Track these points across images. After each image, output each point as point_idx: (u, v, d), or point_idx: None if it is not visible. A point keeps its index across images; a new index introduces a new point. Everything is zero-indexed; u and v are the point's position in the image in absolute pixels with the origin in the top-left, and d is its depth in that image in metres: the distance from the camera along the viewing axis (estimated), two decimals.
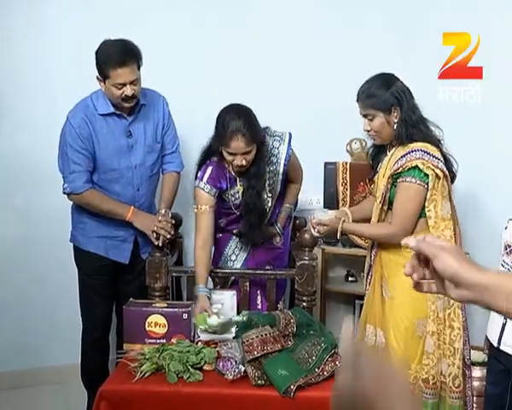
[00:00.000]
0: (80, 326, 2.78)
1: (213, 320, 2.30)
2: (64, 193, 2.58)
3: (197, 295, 2.45)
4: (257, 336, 2.11)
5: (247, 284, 2.62)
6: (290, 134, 2.61)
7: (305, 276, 2.53)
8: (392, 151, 2.31)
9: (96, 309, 2.72)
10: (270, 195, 2.61)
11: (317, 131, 3.47)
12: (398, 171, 2.20)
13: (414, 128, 2.22)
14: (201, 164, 2.57)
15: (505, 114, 3.00)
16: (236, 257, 2.74)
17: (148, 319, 2.31)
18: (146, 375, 2.07)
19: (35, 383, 3.15)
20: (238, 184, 2.58)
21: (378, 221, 2.34)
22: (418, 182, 2.17)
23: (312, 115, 3.40)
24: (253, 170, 2.50)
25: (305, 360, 2.10)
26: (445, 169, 2.18)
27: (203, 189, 2.52)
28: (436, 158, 2.18)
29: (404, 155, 2.19)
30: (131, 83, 2.43)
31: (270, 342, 2.12)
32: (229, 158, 2.43)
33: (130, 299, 2.45)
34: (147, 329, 2.31)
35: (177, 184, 2.79)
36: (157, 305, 2.38)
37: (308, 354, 2.12)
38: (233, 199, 2.61)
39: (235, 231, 2.72)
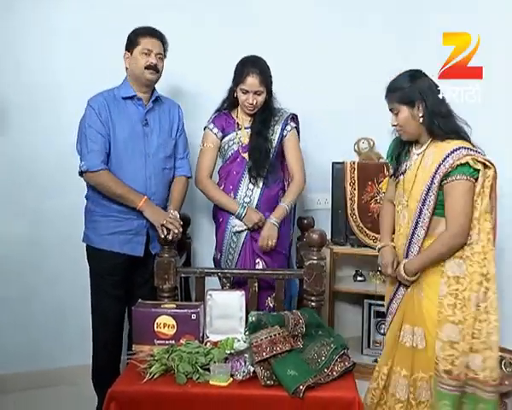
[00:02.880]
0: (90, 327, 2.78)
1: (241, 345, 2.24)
2: (80, 172, 2.60)
3: (246, 210, 2.76)
4: (266, 337, 2.10)
5: (256, 284, 2.62)
6: (292, 115, 2.91)
7: (313, 275, 2.52)
8: (421, 149, 2.32)
9: (107, 310, 2.72)
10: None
11: (325, 131, 3.47)
12: (448, 172, 2.18)
13: (444, 119, 2.24)
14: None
15: (505, 114, 2.98)
16: (238, 238, 2.83)
17: (156, 320, 2.31)
18: (155, 376, 2.07)
19: (45, 385, 3.17)
20: (243, 128, 2.84)
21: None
22: (468, 178, 2.17)
23: (319, 115, 3.40)
24: (260, 118, 2.80)
25: (314, 360, 2.10)
26: (491, 160, 2.19)
27: (211, 129, 2.86)
28: (480, 152, 2.20)
29: (448, 156, 2.19)
30: (157, 55, 2.62)
31: (279, 342, 2.11)
32: (242, 97, 2.75)
33: (139, 300, 2.45)
34: (156, 330, 2.31)
35: (185, 189, 2.82)
36: (166, 306, 2.38)
37: (317, 354, 2.12)
38: (238, 141, 2.83)
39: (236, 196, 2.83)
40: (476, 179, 2.17)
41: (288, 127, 2.88)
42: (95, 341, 2.78)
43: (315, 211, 3.55)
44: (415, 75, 2.29)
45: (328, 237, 3.24)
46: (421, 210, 2.26)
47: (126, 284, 2.75)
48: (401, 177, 2.39)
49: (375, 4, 3.57)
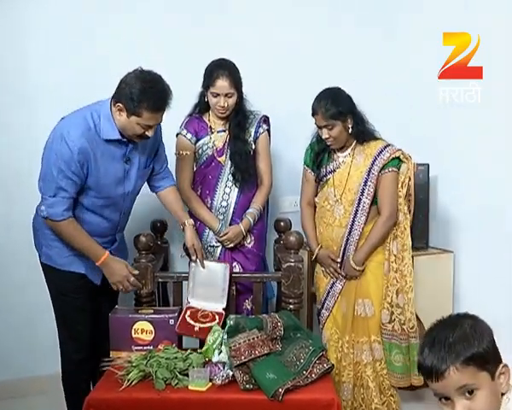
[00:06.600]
0: None
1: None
2: (41, 216, 2.37)
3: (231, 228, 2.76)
4: (244, 341, 2.10)
5: (234, 288, 2.62)
6: (264, 117, 2.91)
7: (291, 278, 2.53)
8: (348, 151, 2.68)
9: (78, 327, 2.48)
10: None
11: (298, 133, 3.48)
12: (385, 164, 2.58)
13: (365, 126, 2.65)
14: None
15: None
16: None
17: (134, 326, 2.30)
18: (133, 382, 2.06)
19: (15, 395, 3.08)
20: (216, 132, 2.81)
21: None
22: (395, 170, 2.61)
23: (292, 116, 3.40)
24: (235, 121, 2.78)
25: (293, 362, 2.11)
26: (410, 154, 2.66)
27: (184, 135, 2.80)
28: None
29: (381, 151, 2.60)
30: (155, 125, 2.34)
31: (258, 345, 2.12)
32: (213, 101, 2.71)
33: (116, 306, 2.43)
34: (133, 336, 2.30)
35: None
36: (143, 311, 2.37)
37: (296, 356, 2.12)
38: (212, 145, 2.80)
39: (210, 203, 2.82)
40: (399, 170, 2.62)
41: (261, 129, 2.86)
42: (66, 363, 2.55)
43: (291, 213, 3.55)
44: (339, 93, 2.61)
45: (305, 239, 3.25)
46: (360, 199, 2.61)
47: (94, 299, 2.52)
48: (329, 176, 2.71)
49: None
